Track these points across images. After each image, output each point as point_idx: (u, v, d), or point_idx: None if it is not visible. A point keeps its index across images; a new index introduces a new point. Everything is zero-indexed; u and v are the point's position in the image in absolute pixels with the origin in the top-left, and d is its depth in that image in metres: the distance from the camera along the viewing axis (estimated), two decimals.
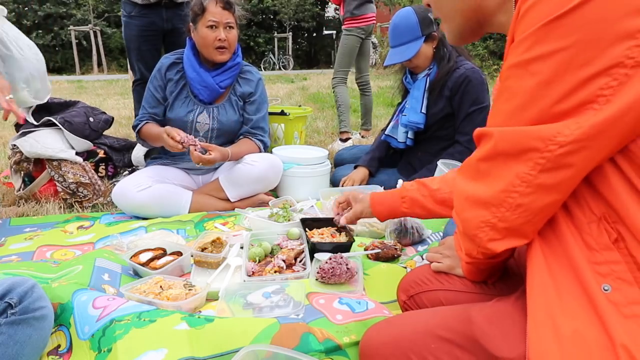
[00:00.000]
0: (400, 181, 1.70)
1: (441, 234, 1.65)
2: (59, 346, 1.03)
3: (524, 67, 0.54)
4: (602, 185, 0.55)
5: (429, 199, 1.10)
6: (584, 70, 0.50)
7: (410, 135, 2.16)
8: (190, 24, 2.02)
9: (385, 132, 2.29)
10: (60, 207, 2.07)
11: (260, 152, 2.14)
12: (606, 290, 0.53)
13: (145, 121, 2.08)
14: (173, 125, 2.08)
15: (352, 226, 1.67)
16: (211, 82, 2.03)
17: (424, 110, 2.07)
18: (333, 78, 3.57)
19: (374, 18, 3.44)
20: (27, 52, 1.73)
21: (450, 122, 2.08)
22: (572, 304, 0.55)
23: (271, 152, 2.30)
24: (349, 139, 3.55)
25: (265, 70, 16.13)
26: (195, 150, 1.83)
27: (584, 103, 0.51)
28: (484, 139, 0.61)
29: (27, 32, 15.86)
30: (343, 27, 3.46)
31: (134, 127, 2.10)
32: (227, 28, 1.98)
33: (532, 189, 0.56)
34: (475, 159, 0.63)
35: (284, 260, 1.35)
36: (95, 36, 15.24)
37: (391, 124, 2.28)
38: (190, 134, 2.07)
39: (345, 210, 1.35)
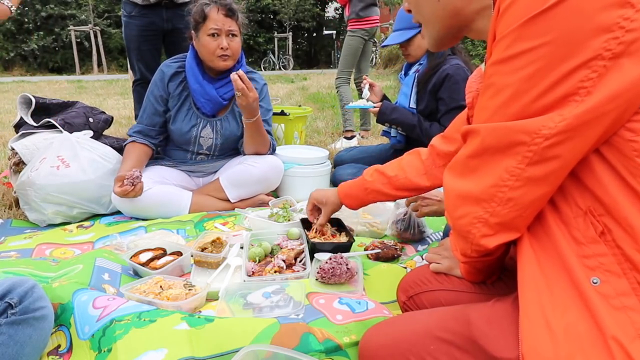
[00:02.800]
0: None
1: (441, 234, 1.65)
2: (59, 346, 1.03)
3: (507, 64, 0.55)
4: (588, 178, 0.56)
5: (388, 186, 1.22)
6: (564, 64, 0.51)
7: (401, 130, 2.18)
8: (192, 31, 1.97)
9: (384, 129, 2.34)
10: None
11: (269, 150, 2.11)
12: (595, 283, 0.54)
13: (133, 139, 2.01)
14: (176, 139, 2.06)
15: (352, 226, 1.68)
16: (214, 94, 1.98)
17: (412, 106, 2.10)
18: (337, 78, 3.61)
19: (378, 20, 3.47)
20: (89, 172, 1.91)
21: None
22: (563, 298, 0.56)
23: None
24: (354, 137, 3.59)
25: (265, 70, 16.12)
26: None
27: (566, 96, 0.52)
28: (471, 136, 0.62)
29: (28, 32, 16.03)
30: (347, 28, 3.49)
31: (129, 136, 2.06)
32: (230, 36, 1.92)
33: (522, 182, 0.57)
34: (464, 156, 0.63)
35: (284, 260, 1.35)
36: (96, 36, 15.24)
37: None
38: (194, 149, 2.07)
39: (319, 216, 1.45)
